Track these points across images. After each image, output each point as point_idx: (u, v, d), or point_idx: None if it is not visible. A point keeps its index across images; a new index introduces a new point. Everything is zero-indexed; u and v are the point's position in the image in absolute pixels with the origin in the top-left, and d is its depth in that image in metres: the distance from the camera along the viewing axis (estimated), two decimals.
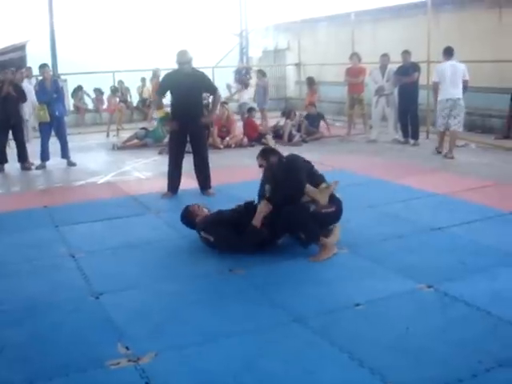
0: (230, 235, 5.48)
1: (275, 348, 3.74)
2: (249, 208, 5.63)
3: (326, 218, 5.54)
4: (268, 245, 5.54)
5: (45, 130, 10.61)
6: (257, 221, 5.40)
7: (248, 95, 15.52)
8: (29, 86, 11.78)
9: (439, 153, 10.58)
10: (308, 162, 5.83)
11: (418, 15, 14.54)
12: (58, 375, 3.50)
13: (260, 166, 5.84)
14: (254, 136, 12.63)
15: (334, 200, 5.60)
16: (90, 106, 18.11)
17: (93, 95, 17.89)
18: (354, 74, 12.89)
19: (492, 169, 9.19)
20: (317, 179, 5.67)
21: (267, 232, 5.44)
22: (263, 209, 5.42)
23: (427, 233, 6.01)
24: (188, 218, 5.92)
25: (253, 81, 16.51)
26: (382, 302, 4.37)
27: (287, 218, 5.31)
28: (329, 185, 5.63)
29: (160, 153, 11.62)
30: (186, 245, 5.88)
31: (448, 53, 10.39)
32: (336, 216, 5.64)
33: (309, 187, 5.50)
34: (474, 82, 12.53)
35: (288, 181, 5.52)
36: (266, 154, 5.82)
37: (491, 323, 3.97)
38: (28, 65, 15.47)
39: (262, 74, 15.36)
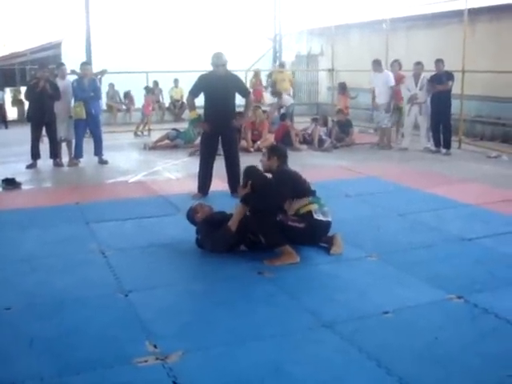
0: (210, 234, 5.56)
1: (303, 353, 3.73)
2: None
3: (293, 232, 5.34)
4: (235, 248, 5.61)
5: (80, 127, 10.73)
6: (233, 222, 5.44)
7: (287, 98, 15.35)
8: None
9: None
10: (299, 177, 5.70)
11: (452, 24, 14.46)
12: (85, 370, 3.52)
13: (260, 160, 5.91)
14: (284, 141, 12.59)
15: (307, 219, 5.41)
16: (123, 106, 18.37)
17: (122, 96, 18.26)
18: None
19: None
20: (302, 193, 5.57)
21: (237, 238, 5.48)
22: (239, 210, 5.45)
23: (458, 243, 5.95)
24: (190, 215, 5.97)
25: None
26: (411, 310, 4.33)
27: (251, 222, 5.37)
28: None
29: (190, 155, 11.58)
30: None
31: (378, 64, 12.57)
32: (307, 235, 5.45)
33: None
34: (510, 92, 12.41)
35: (271, 190, 5.47)
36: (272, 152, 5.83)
37: None
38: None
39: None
